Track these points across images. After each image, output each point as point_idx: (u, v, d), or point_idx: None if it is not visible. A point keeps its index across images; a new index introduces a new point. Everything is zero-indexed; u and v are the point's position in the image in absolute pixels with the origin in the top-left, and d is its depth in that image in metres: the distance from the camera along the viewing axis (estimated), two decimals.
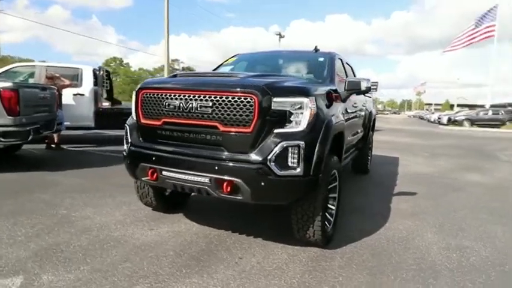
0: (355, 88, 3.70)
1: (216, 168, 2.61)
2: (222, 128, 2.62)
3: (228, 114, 2.59)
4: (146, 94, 2.97)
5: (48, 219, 3.48)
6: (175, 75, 3.22)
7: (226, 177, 2.60)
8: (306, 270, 2.66)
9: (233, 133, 2.60)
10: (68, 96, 7.74)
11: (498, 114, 27.07)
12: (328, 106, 3.03)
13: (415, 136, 16.79)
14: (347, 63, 4.98)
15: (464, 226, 3.78)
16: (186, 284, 2.39)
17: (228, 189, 2.62)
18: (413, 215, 4.07)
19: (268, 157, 2.53)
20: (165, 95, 2.82)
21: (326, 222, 2.96)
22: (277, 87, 2.64)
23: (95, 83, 8.37)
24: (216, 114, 2.62)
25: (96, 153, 7.74)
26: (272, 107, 2.55)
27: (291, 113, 2.60)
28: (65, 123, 7.39)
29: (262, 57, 4.77)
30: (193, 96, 2.69)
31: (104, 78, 8.62)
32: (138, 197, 3.72)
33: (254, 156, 2.56)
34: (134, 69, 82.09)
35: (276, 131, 2.58)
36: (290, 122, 2.60)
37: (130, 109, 3.24)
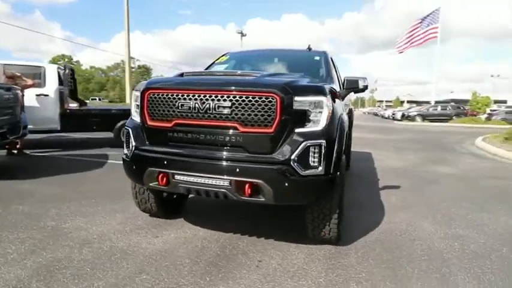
0: (353, 86, 3.78)
1: (238, 170, 2.53)
2: (241, 129, 2.54)
3: (249, 115, 2.52)
4: (154, 94, 2.79)
5: (38, 233, 3.16)
6: (181, 75, 3.07)
7: (247, 179, 2.53)
8: (327, 268, 2.67)
9: (254, 134, 2.53)
10: (30, 97, 7.10)
11: (446, 109, 29.35)
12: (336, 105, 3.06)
13: (376, 132, 17.64)
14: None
15: (454, 216, 4.02)
16: None
17: (249, 191, 2.55)
18: (405, 208, 4.26)
19: (292, 157, 2.49)
20: (177, 95, 2.68)
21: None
22: (297, 86, 2.61)
23: (60, 83, 7.76)
24: (236, 114, 2.54)
25: (63, 158, 7.20)
26: (293, 107, 2.53)
27: (310, 112, 2.59)
28: (28, 126, 6.78)
29: (255, 55, 4.71)
30: (210, 96, 2.58)
31: (69, 77, 8.03)
32: (136, 203, 3.52)
33: (277, 157, 2.52)
34: (85, 67, 77.69)
35: (297, 130, 2.55)
36: (309, 121, 2.59)
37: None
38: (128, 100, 21.65)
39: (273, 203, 2.60)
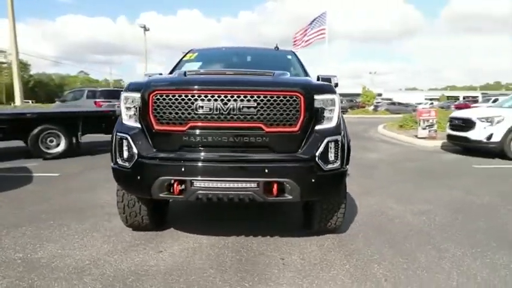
0: None
1: (266, 171, 2.50)
2: (267, 129, 2.51)
3: (275, 114, 2.51)
4: (162, 96, 2.53)
5: (10, 269, 2.57)
6: (184, 74, 2.83)
7: (276, 179, 2.52)
8: (345, 256, 2.85)
9: (279, 133, 2.53)
10: None
11: (342, 103, 33.03)
12: None
13: None
14: None
15: (407, 195, 4.66)
16: None
17: (277, 191, 2.55)
18: (368, 193, 4.75)
19: (316, 154, 2.58)
20: (193, 96, 2.49)
21: None
22: (316, 85, 2.70)
23: None
24: (261, 114, 2.49)
25: None
26: (314, 105, 2.61)
27: (325, 110, 2.70)
28: None
29: (226, 53, 4.57)
30: (232, 97, 2.47)
31: None
32: (123, 218, 3.14)
33: (303, 155, 2.57)
34: None
35: (316, 128, 2.64)
36: (325, 118, 2.70)
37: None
38: (18, 102, 18.34)
39: (299, 200, 2.65)
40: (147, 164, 2.57)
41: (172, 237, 3.19)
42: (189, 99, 2.49)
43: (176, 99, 2.51)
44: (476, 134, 7.45)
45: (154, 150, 2.59)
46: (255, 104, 2.48)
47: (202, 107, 2.47)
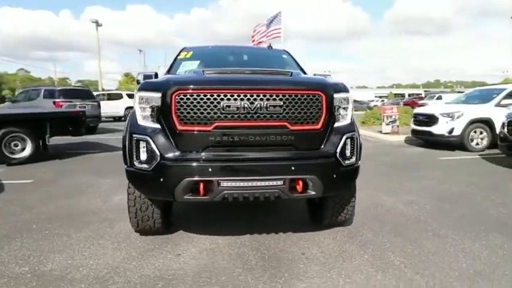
0: None
1: (293, 168, 2.55)
2: (291, 127, 2.56)
3: (299, 113, 2.57)
4: (186, 96, 2.47)
5: (22, 285, 2.37)
6: (202, 72, 2.77)
7: (301, 176, 2.58)
8: (361, 247, 3.00)
9: (303, 131, 2.60)
10: None
11: None
12: None
13: None
14: None
15: (394, 188, 4.96)
16: None
17: (302, 188, 2.61)
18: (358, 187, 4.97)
19: (337, 150, 2.68)
20: (219, 96, 2.46)
21: None
22: (334, 84, 2.79)
23: None
24: (287, 113, 2.54)
25: None
26: (334, 103, 2.70)
27: (341, 108, 2.82)
28: None
29: (223, 52, 4.51)
30: (258, 96, 2.49)
31: None
32: (134, 222, 3.02)
33: (325, 152, 2.66)
34: None
35: (335, 125, 2.74)
36: (342, 116, 2.81)
37: None
38: None
39: (320, 196, 2.73)
40: (171, 166, 2.51)
41: (185, 240, 3.13)
42: (215, 99, 2.47)
43: (201, 99, 2.47)
44: (439, 129, 8.10)
45: (178, 151, 2.53)
46: (281, 103, 2.52)
47: (229, 106, 2.46)
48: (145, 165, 2.58)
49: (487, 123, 7.91)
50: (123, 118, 19.55)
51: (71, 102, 11.28)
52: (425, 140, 8.92)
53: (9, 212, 3.88)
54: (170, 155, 2.52)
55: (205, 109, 2.47)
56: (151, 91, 2.60)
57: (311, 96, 2.59)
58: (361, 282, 2.42)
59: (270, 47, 4.61)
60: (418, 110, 9.48)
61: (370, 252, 2.88)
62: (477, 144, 7.99)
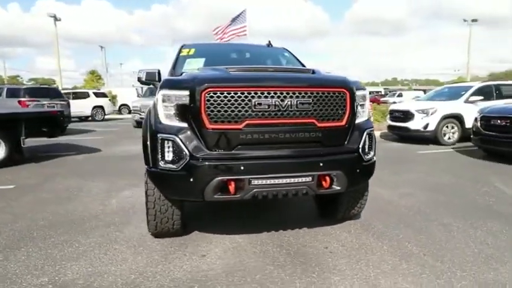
0: None
1: (321, 164, 2.60)
2: (319, 124, 2.60)
3: (326, 110, 2.61)
4: (216, 93, 2.43)
5: None
6: (226, 69, 2.73)
7: (329, 172, 2.64)
8: (376, 238, 3.12)
9: (329, 128, 2.65)
10: None
11: None
12: None
13: None
14: None
15: (386, 181, 5.17)
16: (348, 280, 2.37)
17: (328, 183, 2.67)
18: None
19: (360, 146, 2.77)
20: (249, 93, 2.44)
21: None
22: (354, 82, 2.86)
23: None
24: (315, 110, 2.58)
25: None
26: (356, 100, 2.78)
27: (360, 105, 2.90)
28: None
29: (225, 49, 4.46)
30: (287, 93, 2.50)
31: None
32: (152, 225, 2.92)
33: (349, 147, 2.73)
34: None
35: (356, 121, 2.83)
36: (360, 112, 2.90)
37: None
38: None
39: (344, 190, 2.80)
40: (202, 165, 2.45)
41: (203, 240, 3.08)
42: (246, 96, 2.45)
43: (232, 97, 2.44)
44: (415, 124, 8.56)
45: (208, 150, 2.48)
46: (310, 100, 2.55)
47: (260, 104, 2.45)
48: (172, 166, 2.51)
49: (458, 118, 8.48)
50: (89, 118, 18.69)
51: (38, 101, 10.57)
52: (401, 135, 9.38)
53: (0, 220, 3.59)
54: (200, 154, 2.47)
55: (236, 107, 2.45)
56: (178, 89, 2.53)
57: (336, 94, 2.65)
58: (389, 272, 2.52)
59: (269, 44, 4.62)
60: (394, 106, 9.94)
61: (387, 243, 3.00)
62: (449, 138, 8.54)
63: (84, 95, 18.65)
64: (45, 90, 12.11)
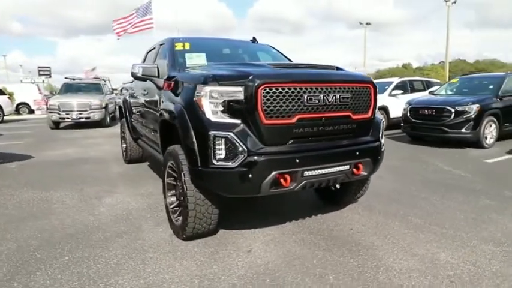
0: None
1: (357, 153, 2.86)
2: (353, 117, 2.86)
3: (359, 103, 2.88)
4: (272, 89, 2.48)
5: None
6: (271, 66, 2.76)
7: (362, 159, 2.92)
8: (384, 215, 3.54)
9: (360, 120, 2.92)
10: None
11: None
12: None
13: None
14: None
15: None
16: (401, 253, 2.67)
17: (360, 170, 2.96)
18: None
19: (379, 135, 3.12)
20: (301, 89, 2.56)
21: None
22: (370, 78, 3.18)
23: None
24: (351, 104, 2.82)
25: None
26: (376, 94, 3.11)
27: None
28: None
29: (218, 45, 4.30)
30: (332, 89, 2.70)
31: None
32: (190, 227, 2.82)
33: (373, 137, 3.06)
34: None
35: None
36: (374, 105, 3.25)
37: None
38: None
39: (369, 176, 3.12)
40: (260, 160, 2.48)
41: (234, 237, 3.07)
42: (298, 92, 2.55)
43: (287, 92, 2.52)
44: None
45: (264, 145, 2.52)
46: (349, 95, 2.79)
47: (311, 99, 2.59)
48: (228, 163, 2.48)
49: (385, 109, 9.75)
50: None
51: None
52: None
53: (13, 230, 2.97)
54: (257, 149, 2.49)
55: (290, 102, 2.54)
56: (230, 85, 2.49)
57: (364, 89, 2.93)
58: (416, 242, 2.93)
59: (254, 40, 4.69)
60: None
61: (396, 219, 3.44)
62: None
63: None
64: None
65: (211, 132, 2.47)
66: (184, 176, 2.72)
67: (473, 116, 6.99)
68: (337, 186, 3.46)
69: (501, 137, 7.59)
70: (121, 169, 5.90)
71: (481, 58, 68.26)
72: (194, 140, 2.55)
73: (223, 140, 2.47)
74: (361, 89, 2.90)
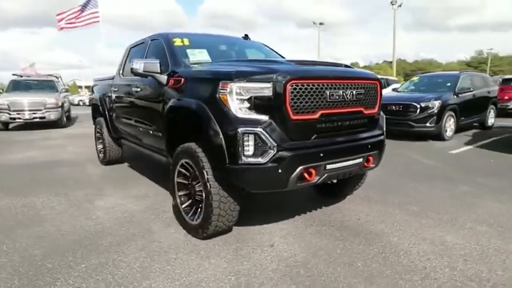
0: None
1: (369, 146, 3.02)
2: (365, 112, 3.01)
3: (369, 99, 3.04)
4: (298, 86, 2.53)
5: None
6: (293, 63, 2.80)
7: (373, 152, 3.09)
8: (383, 204, 3.76)
9: (369, 114, 3.09)
10: None
11: None
12: None
13: None
14: None
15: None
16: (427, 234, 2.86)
17: (370, 162, 3.13)
18: None
19: (384, 129, 3.32)
20: (324, 85, 2.65)
21: None
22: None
23: None
24: (364, 100, 2.97)
25: None
26: (381, 91, 3.30)
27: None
28: None
29: (215, 41, 4.21)
30: (352, 85, 2.84)
31: None
32: (213, 226, 2.79)
33: (379, 131, 3.25)
34: None
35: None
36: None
37: None
38: None
39: (374, 168, 3.30)
40: (289, 156, 2.53)
41: (251, 233, 3.08)
42: (322, 88, 2.64)
43: (311, 89, 2.59)
44: None
45: (291, 140, 2.57)
46: (362, 91, 2.93)
47: (333, 95, 2.69)
48: (257, 159, 2.49)
49: None
50: None
51: None
52: None
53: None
54: (286, 145, 2.53)
55: (314, 98, 2.61)
56: (258, 82, 2.50)
57: (373, 85, 3.10)
58: (422, 227, 3.17)
59: (246, 36, 4.69)
60: None
61: (395, 208, 3.68)
62: None
63: None
64: None
65: (240, 129, 2.46)
66: (206, 173, 2.68)
67: (435, 111, 7.62)
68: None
69: (457, 130, 8.36)
70: (99, 171, 5.59)
71: (419, 58, 74.07)
72: (221, 136, 2.52)
73: (252, 136, 2.48)
74: (371, 86, 3.06)
